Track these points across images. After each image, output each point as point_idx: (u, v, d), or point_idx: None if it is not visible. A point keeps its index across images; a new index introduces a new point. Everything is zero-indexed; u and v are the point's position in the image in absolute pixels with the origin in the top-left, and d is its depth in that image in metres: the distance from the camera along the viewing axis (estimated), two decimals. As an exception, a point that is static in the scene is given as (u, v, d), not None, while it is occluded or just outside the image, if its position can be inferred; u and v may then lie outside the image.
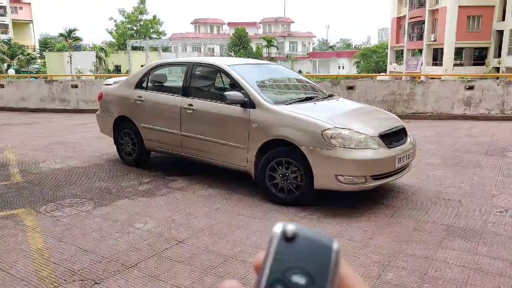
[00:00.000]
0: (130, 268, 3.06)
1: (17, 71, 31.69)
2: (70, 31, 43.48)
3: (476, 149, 6.97)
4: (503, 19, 32.62)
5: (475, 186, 5.01)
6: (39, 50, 48.48)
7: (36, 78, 14.50)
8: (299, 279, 0.33)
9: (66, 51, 40.93)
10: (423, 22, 38.02)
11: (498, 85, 10.46)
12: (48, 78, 14.25)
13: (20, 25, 46.66)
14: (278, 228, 0.35)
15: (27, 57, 36.72)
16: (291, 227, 0.35)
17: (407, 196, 4.67)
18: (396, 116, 5.09)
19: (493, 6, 33.50)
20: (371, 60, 49.29)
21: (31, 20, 48.08)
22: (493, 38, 33.75)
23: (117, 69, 38.26)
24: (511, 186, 5.00)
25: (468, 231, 3.72)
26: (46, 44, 56.07)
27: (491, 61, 33.62)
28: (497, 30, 33.30)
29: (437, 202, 4.48)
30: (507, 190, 4.87)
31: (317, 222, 3.97)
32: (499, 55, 32.80)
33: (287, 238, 0.35)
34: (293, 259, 0.34)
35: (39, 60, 41.45)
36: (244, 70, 5.12)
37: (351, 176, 4.03)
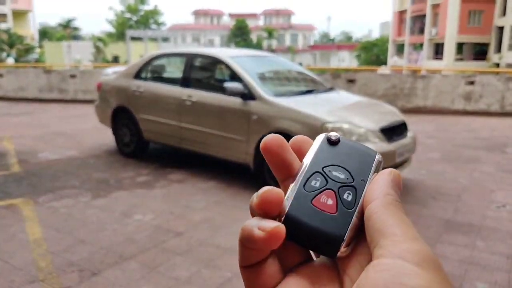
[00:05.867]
0: (128, 260, 3.06)
1: (16, 61, 31.55)
2: (69, 21, 43.20)
3: (475, 144, 6.97)
4: (504, 14, 32.49)
5: (474, 181, 5.01)
6: (38, 40, 48.22)
7: (35, 67, 14.42)
8: (339, 174, 0.33)
9: (65, 40, 40.72)
10: (425, 16, 37.88)
11: (498, 80, 10.44)
12: (47, 68, 14.19)
13: (19, 14, 46.30)
14: (322, 135, 0.36)
15: (26, 46, 36.50)
16: (336, 133, 0.36)
17: (406, 191, 4.67)
18: (396, 110, 5.07)
19: (494, 2, 33.36)
20: (372, 53, 49.15)
21: (31, 10, 47.69)
22: (494, 33, 33.65)
23: (116, 59, 38.07)
24: (510, 182, 5.00)
25: (466, 226, 3.72)
26: (45, 34, 55.77)
27: (492, 56, 33.54)
28: (497, 26, 33.19)
29: (436, 197, 4.48)
30: (506, 185, 4.87)
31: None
32: (499, 51, 32.72)
33: (331, 142, 0.35)
34: (334, 158, 0.34)
35: (38, 50, 41.21)
36: (245, 62, 5.09)
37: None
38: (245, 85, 4.60)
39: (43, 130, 7.91)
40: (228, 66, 4.98)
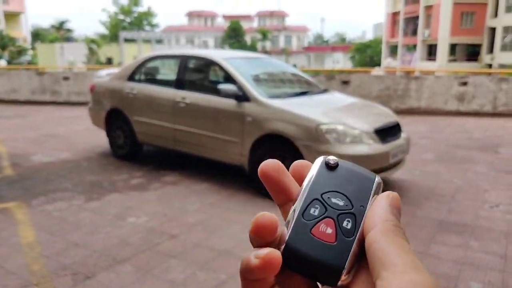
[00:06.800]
0: (122, 263, 3.04)
1: (8, 63, 31.35)
2: (62, 23, 42.98)
3: (469, 145, 7.02)
4: (496, 16, 32.80)
5: (468, 182, 5.04)
6: (30, 42, 47.90)
7: (28, 69, 14.32)
8: (338, 201, 0.33)
9: (58, 42, 40.53)
10: (417, 17, 38.12)
11: (490, 81, 10.52)
12: (40, 70, 14.08)
13: (11, 16, 45.95)
14: (320, 158, 0.36)
15: (18, 48, 36.26)
16: (334, 157, 0.35)
17: (400, 191, 4.69)
18: (390, 111, 5.09)
19: (486, 3, 33.67)
20: (366, 55, 49.35)
21: (23, 11, 47.35)
22: (486, 34, 33.94)
23: (109, 61, 37.94)
24: (503, 182, 5.03)
25: (460, 226, 3.74)
26: (37, 36, 55.40)
27: (484, 57, 33.83)
28: (490, 27, 33.49)
29: (430, 197, 4.50)
30: (499, 185, 4.90)
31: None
32: (491, 52, 33.01)
33: (329, 166, 0.35)
34: (333, 184, 0.34)
35: (30, 52, 40.94)
36: (239, 64, 5.08)
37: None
38: (239, 87, 4.60)
39: (36, 133, 7.86)
40: (222, 68, 4.98)
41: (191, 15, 64.20)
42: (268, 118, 4.37)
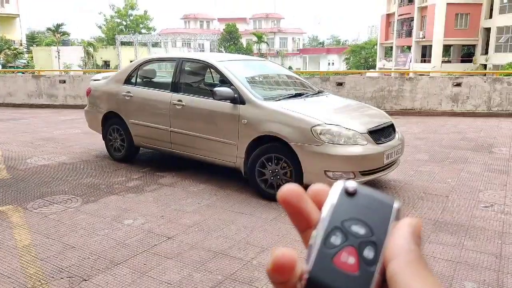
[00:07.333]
0: (118, 265, 3.05)
1: (3, 66, 31.24)
2: (58, 26, 42.95)
3: (463, 145, 7.06)
4: (491, 16, 33.00)
5: (462, 182, 5.07)
6: (26, 45, 47.75)
7: (23, 73, 14.30)
8: (358, 229, 0.33)
9: (54, 45, 40.47)
10: (412, 19, 38.30)
11: (485, 82, 10.59)
12: (36, 73, 14.04)
13: (7, 19, 45.77)
14: (339, 184, 0.35)
15: (14, 51, 36.12)
16: (352, 183, 0.35)
17: (395, 192, 4.72)
18: (384, 112, 5.12)
19: (481, 4, 33.87)
20: (361, 57, 49.53)
21: (18, 14, 47.22)
22: (480, 35, 34.14)
23: (106, 64, 37.91)
24: (497, 182, 5.07)
25: (454, 226, 3.77)
26: (33, 39, 55.26)
27: (479, 58, 34.01)
28: (484, 28, 33.69)
29: (424, 198, 4.53)
30: (493, 185, 4.94)
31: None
32: (486, 52, 33.19)
33: (348, 193, 0.35)
34: (353, 211, 0.34)
35: (26, 55, 40.82)
36: (234, 66, 5.11)
37: (340, 172, 4.06)
38: (235, 89, 4.62)
39: (32, 136, 7.84)
40: (217, 71, 5.00)
41: (187, 18, 64.21)
42: (263, 120, 4.39)
